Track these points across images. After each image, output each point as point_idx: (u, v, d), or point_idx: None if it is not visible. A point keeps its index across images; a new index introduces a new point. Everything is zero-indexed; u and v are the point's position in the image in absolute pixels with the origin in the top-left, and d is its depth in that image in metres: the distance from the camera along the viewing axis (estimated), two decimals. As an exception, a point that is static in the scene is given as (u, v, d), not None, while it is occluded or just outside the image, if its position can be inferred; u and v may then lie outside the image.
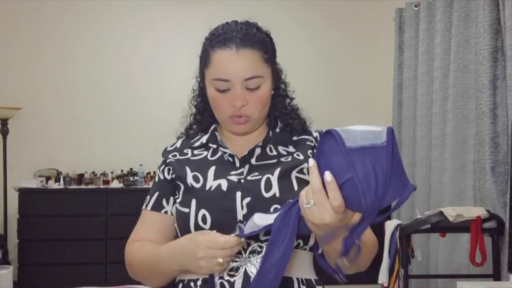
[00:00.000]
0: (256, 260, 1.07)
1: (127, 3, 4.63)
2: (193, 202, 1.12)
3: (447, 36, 3.41)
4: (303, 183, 1.12)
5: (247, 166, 1.17)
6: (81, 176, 4.34)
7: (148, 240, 1.18)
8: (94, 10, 4.61)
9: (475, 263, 2.63)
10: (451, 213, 2.63)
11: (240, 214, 1.09)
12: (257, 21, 1.20)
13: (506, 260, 2.63)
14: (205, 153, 1.22)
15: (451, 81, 3.29)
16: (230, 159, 1.19)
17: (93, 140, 4.58)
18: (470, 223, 2.61)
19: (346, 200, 0.86)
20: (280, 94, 1.25)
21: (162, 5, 4.66)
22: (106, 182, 4.33)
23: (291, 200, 0.97)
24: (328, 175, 0.86)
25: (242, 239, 1.00)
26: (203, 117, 1.27)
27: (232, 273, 1.07)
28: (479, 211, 2.65)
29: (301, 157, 1.18)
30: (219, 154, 1.21)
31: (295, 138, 1.23)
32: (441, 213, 2.68)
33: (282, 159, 1.18)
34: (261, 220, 1.00)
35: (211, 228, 1.07)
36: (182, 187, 1.18)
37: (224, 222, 1.08)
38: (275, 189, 1.11)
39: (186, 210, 1.13)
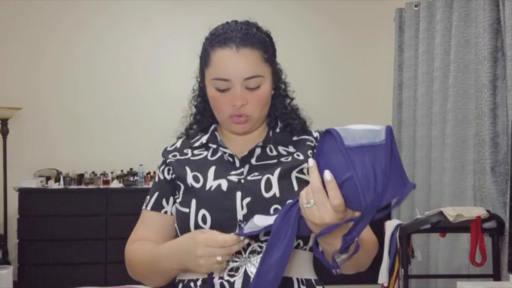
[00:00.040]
0: (256, 260, 1.07)
1: (127, 3, 4.64)
2: (193, 202, 1.12)
3: (447, 36, 3.40)
4: (303, 183, 1.12)
5: (247, 166, 1.17)
6: (81, 176, 4.35)
7: (148, 240, 1.18)
8: (94, 10, 4.61)
9: (475, 263, 2.63)
10: (451, 213, 2.63)
11: (240, 214, 1.09)
12: (257, 21, 1.20)
13: (506, 260, 2.63)
14: (205, 153, 1.22)
15: (451, 81, 3.28)
16: (230, 159, 1.18)
17: (93, 140, 4.58)
18: (470, 223, 2.61)
19: (345, 199, 0.86)
20: (280, 94, 1.25)
21: (162, 5, 4.66)
22: (106, 182, 4.33)
23: (291, 201, 0.97)
24: (327, 174, 0.86)
25: (242, 239, 1.00)
26: (203, 117, 1.27)
27: (232, 273, 1.07)
28: (479, 211, 2.65)
29: (301, 157, 1.18)
30: (219, 154, 1.21)
31: (295, 138, 1.23)
32: (441, 213, 2.68)
33: (282, 159, 1.18)
34: (261, 221, 1.00)
35: (211, 228, 1.07)
36: (182, 187, 1.18)
37: (224, 222, 1.08)
38: (275, 189, 1.11)
39: (186, 210, 1.13)
